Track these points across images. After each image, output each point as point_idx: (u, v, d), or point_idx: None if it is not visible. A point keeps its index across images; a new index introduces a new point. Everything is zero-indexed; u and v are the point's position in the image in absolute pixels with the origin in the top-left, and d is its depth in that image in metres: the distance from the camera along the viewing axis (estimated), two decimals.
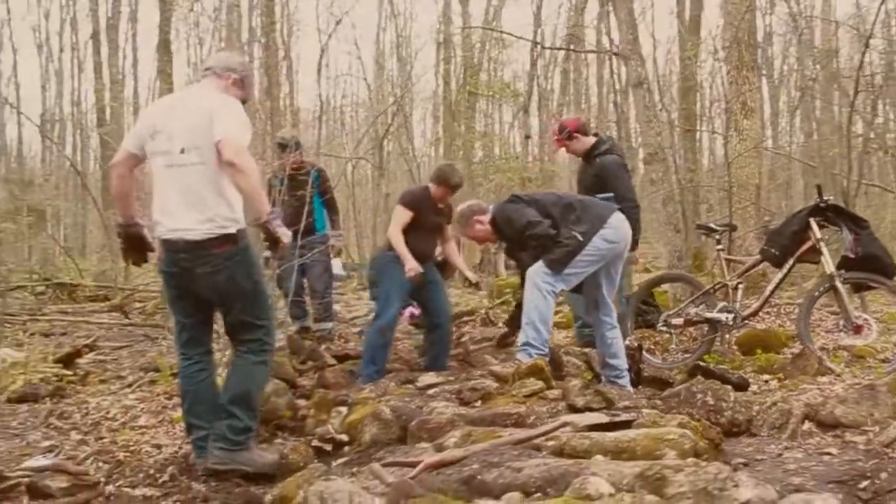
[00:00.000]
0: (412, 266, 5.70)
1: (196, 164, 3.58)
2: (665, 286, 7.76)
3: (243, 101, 3.92)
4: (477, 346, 7.28)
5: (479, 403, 4.17)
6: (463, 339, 8.04)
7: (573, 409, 3.89)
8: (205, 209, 3.58)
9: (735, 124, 8.72)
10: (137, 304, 14.37)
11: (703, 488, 2.52)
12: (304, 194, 7.08)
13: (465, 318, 9.56)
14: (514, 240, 5.07)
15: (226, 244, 3.60)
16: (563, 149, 6.57)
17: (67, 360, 7.45)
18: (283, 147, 7.57)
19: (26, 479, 3.61)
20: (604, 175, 6.04)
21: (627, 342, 5.73)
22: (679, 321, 6.34)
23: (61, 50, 29.18)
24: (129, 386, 5.79)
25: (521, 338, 4.82)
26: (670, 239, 8.17)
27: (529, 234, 4.82)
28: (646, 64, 8.60)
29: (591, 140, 6.28)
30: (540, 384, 4.15)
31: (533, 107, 22.21)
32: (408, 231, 5.84)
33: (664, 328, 6.47)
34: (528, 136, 21.06)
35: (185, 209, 3.62)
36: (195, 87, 4.01)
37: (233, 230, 3.60)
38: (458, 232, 5.72)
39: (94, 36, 19.78)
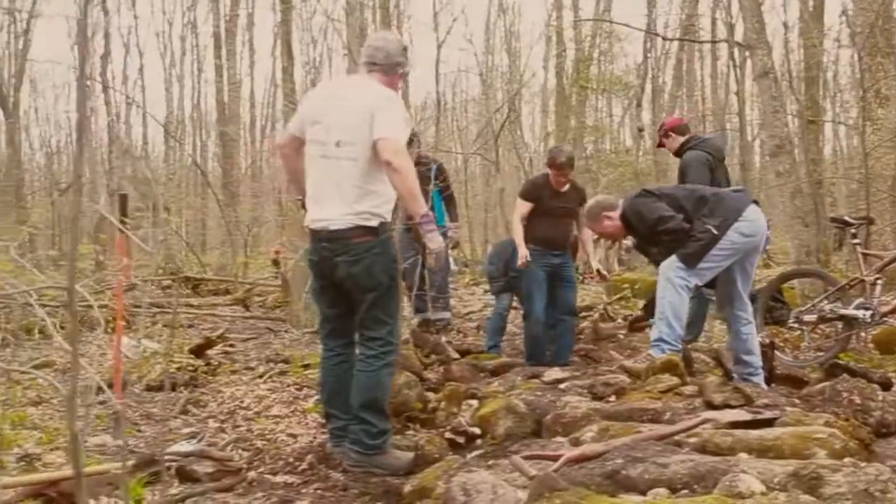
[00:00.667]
0: (523, 254, 6.00)
1: (349, 160, 3.65)
2: (793, 282, 7.49)
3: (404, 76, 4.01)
4: (596, 343, 7.21)
5: (612, 398, 4.13)
6: (582, 336, 8.02)
7: (711, 406, 3.81)
8: (351, 202, 3.65)
9: (869, 113, 8.34)
10: (257, 298, 14.85)
11: (863, 489, 2.43)
12: (425, 189, 7.18)
13: (584, 314, 9.48)
14: (645, 235, 4.97)
15: (366, 235, 3.66)
16: (662, 146, 6.99)
17: (199, 351, 7.73)
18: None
19: (174, 464, 3.78)
20: (684, 169, 6.32)
21: (760, 339, 5.57)
22: (812, 318, 6.12)
23: (183, 53, 30.24)
24: (261, 377, 5.95)
25: (653, 333, 4.73)
26: (797, 233, 7.89)
27: (662, 229, 4.73)
28: (772, 52, 8.29)
29: (683, 139, 6.56)
30: (675, 380, 4.08)
31: (645, 99, 21.81)
32: (533, 219, 6.07)
33: (796, 325, 6.26)
34: (640, 130, 20.76)
35: (332, 200, 3.71)
36: (358, 80, 4.01)
37: (374, 223, 3.66)
38: (588, 227, 5.67)
39: (215, 39, 20.38)
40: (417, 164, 7.47)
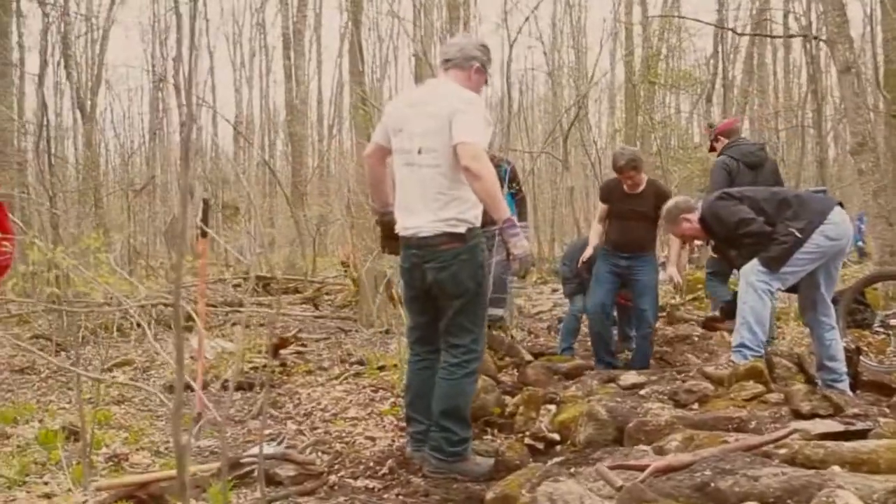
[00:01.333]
0: (587, 254, 6.13)
1: (432, 167, 3.64)
2: (878, 284, 7.27)
3: (485, 83, 3.98)
4: (670, 345, 7.12)
5: (695, 406, 4.06)
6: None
7: (798, 415, 3.72)
8: (438, 209, 3.64)
9: None
10: (327, 297, 15.02)
11: None
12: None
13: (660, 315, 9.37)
14: (725, 238, 4.87)
15: (454, 242, 3.65)
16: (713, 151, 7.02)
17: (273, 351, 7.85)
18: None
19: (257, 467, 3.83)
20: (711, 173, 6.70)
21: (844, 344, 5.42)
22: None
23: (252, 55, 30.73)
24: (336, 378, 6.00)
25: (735, 339, 4.63)
26: (881, 233, 7.66)
27: (742, 232, 4.62)
28: (854, 47, 8.06)
29: (724, 143, 6.73)
30: (760, 387, 3.99)
31: (715, 95, 21.40)
32: (609, 222, 6.12)
33: (881, 329, 6.07)
34: (710, 126, 20.36)
35: (420, 207, 3.71)
36: (437, 84, 3.98)
37: (462, 230, 3.64)
38: (667, 230, 5.58)
39: (284, 40, 20.64)
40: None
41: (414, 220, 3.73)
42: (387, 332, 8.75)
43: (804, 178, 12.45)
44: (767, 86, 24.62)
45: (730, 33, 25.51)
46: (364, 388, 5.66)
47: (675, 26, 23.09)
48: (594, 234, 6.16)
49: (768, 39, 22.93)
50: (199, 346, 5.95)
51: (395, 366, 5.80)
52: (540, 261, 19.30)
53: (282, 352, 8.11)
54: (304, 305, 13.39)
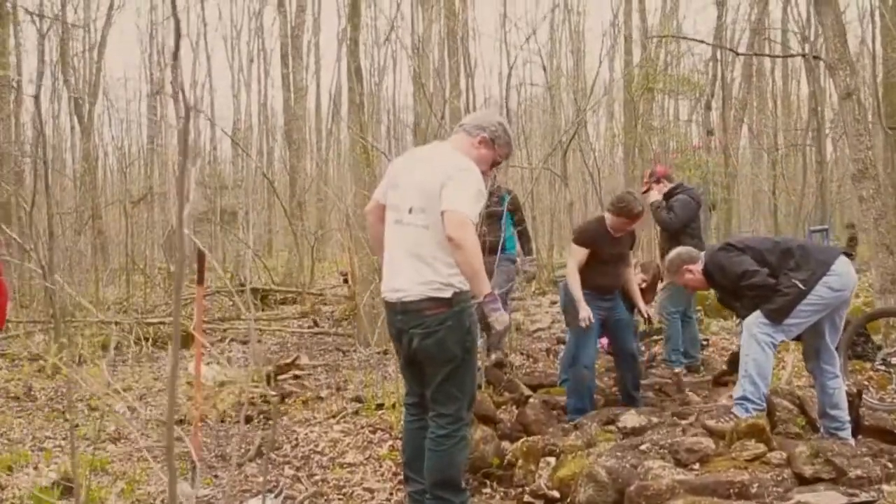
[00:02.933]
0: (585, 315, 5.70)
1: (421, 227, 3.58)
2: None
3: (494, 163, 3.92)
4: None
5: (696, 466, 4.01)
6: (655, 361, 7.90)
7: (800, 478, 3.69)
8: (424, 272, 3.57)
9: None
10: (325, 308, 14.98)
11: None
12: (499, 213, 7.38)
13: (655, 338, 9.33)
14: (729, 289, 4.82)
15: (439, 307, 3.57)
16: (651, 190, 7.55)
17: (269, 379, 7.83)
18: None
19: None
20: (670, 207, 7.25)
21: (846, 387, 5.39)
22: None
23: (251, 61, 30.65)
24: (334, 416, 5.95)
25: (737, 391, 4.59)
26: (882, 261, 7.60)
27: (746, 284, 4.58)
28: (856, 73, 8.02)
29: (671, 185, 7.51)
30: (761, 447, 3.95)
31: (715, 100, 21.33)
32: (588, 265, 5.81)
33: (882, 367, 6.05)
34: (710, 132, 20.32)
35: (405, 268, 3.64)
36: (439, 146, 3.94)
37: (447, 294, 3.56)
38: (668, 279, 5.52)
39: (282, 47, 20.60)
40: (490, 194, 7.49)
41: (399, 283, 3.66)
42: (384, 352, 8.69)
43: (806, 195, 12.40)
44: (766, 88, 24.60)
45: (727, 35, 25.58)
46: (362, 428, 5.61)
47: (674, 33, 23.13)
48: (578, 287, 5.80)
49: (768, 43, 22.88)
50: (196, 379, 5.90)
51: (394, 406, 5.75)
52: (539, 269, 19.31)
53: (281, 376, 8.13)
54: (302, 320, 13.37)
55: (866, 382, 6.39)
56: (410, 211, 3.62)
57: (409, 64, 22.62)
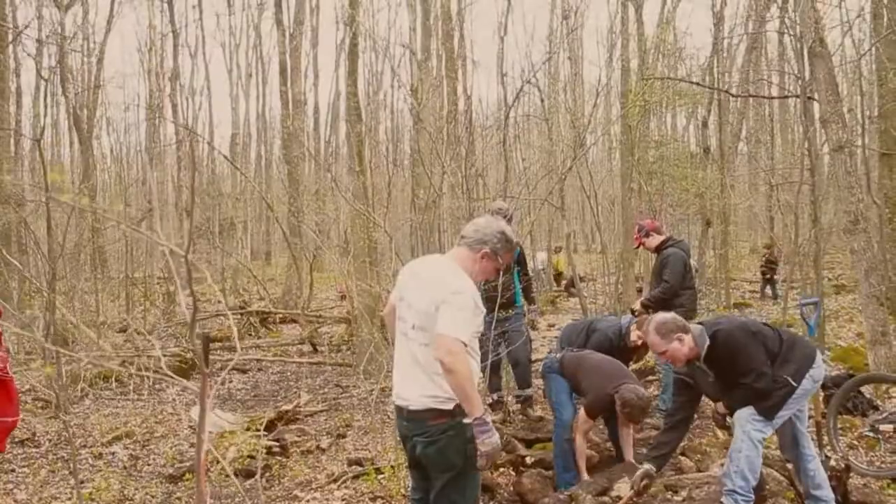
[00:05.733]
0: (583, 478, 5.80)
1: (423, 344, 3.67)
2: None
3: (498, 270, 4.02)
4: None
5: None
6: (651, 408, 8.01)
7: None
8: (427, 384, 3.66)
9: None
10: (324, 330, 15.09)
11: None
12: (511, 270, 7.63)
13: (650, 378, 9.46)
14: (727, 376, 4.80)
15: (441, 417, 3.66)
16: (641, 245, 8.01)
17: (270, 426, 7.93)
18: (494, 216, 7.85)
19: None
20: (664, 261, 7.55)
21: (834, 462, 5.52)
22: (889, 428, 6.03)
23: (250, 76, 30.71)
24: (335, 481, 6.06)
25: (727, 483, 4.70)
26: (872, 312, 7.75)
27: (748, 382, 4.61)
28: (848, 126, 8.14)
29: (661, 238, 7.76)
30: None
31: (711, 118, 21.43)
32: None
33: (871, 434, 6.17)
34: (707, 150, 20.45)
35: (411, 379, 3.74)
36: (440, 262, 3.97)
37: (450, 406, 3.65)
38: (650, 342, 5.26)
39: (281, 66, 20.63)
40: None
41: (405, 391, 3.76)
42: (383, 390, 8.78)
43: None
44: (764, 111, 24.70)
45: (725, 45, 25.67)
46: (362, 495, 5.72)
47: (669, 47, 23.21)
48: (583, 456, 5.93)
49: (763, 57, 23.03)
50: (198, 443, 5.99)
51: (393, 469, 5.88)
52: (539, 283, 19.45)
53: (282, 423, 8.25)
54: (301, 345, 13.48)
55: (856, 442, 6.52)
56: (413, 327, 3.73)
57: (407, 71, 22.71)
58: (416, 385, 3.71)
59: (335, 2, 30.28)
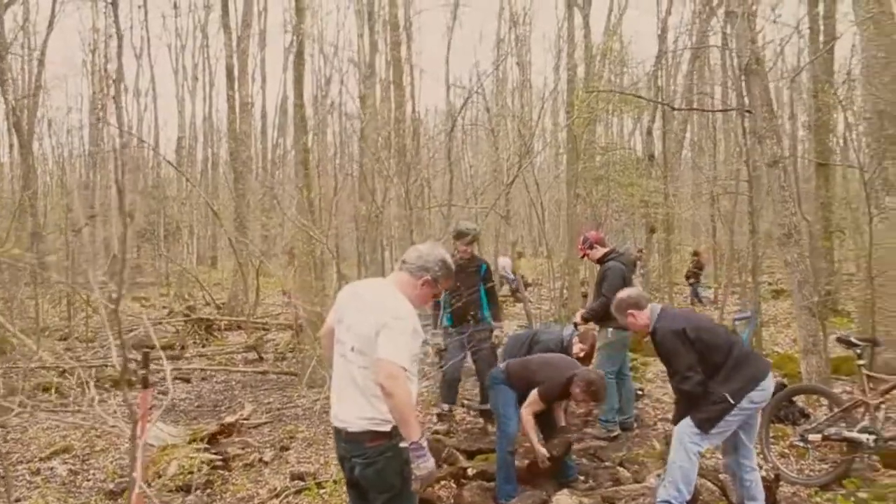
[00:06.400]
0: (543, 456, 5.94)
1: (361, 367, 3.71)
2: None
3: (435, 297, 4.05)
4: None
5: None
6: (591, 417, 8.15)
7: None
8: (365, 407, 3.70)
9: (876, 202, 8.39)
10: (271, 337, 15.01)
11: None
12: (478, 286, 8.01)
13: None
14: (664, 360, 5.08)
15: (379, 439, 3.71)
16: (585, 256, 8.22)
17: (213, 439, 7.88)
18: (462, 235, 8.14)
19: None
20: (604, 274, 7.70)
21: (764, 473, 5.69)
22: (817, 438, 6.20)
23: (195, 78, 30.39)
24: (277, 496, 6.06)
25: (661, 493, 4.84)
26: (805, 323, 7.96)
27: (677, 382, 4.85)
28: (783, 142, 8.35)
29: (604, 251, 7.89)
30: None
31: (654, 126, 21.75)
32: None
33: (800, 443, 6.35)
34: (651, 157, 20.75)
35: (349, 402, 3.77)
36: (381, 286, 4.02)
37: (387, 428, 3.71)
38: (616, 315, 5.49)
39: (228, 70, 20.46)
40: (469, 262, 8.08)
41: (343, 413, 3.80)
42: (328, 398, 8.75)
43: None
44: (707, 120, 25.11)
45: (670, 55, 26.07)
46: None
47: (616, 52, 23.52)
48: (533, 429, 6.06)
49: (707, 73, 23.45)
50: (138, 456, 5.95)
51: (335, 483, 5.90)
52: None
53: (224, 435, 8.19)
54: (247, 354, 13.38)
55: (787, 451, 6.70)
56: (352, 350, 3.76)
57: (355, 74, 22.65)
58: (354, 407, 3.75)
59: (284, 4, 30.00)
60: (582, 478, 6.26)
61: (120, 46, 22.05)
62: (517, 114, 18.61)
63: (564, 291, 16.33)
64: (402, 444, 3.58)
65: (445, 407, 8.14)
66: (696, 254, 20.73)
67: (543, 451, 5.92)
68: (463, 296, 7.87)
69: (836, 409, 6.27)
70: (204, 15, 29.92)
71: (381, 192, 8.75)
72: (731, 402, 4.73)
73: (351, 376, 3.77)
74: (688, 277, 20.39)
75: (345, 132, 28.15)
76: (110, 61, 22.42)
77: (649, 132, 20.72)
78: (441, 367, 8.20)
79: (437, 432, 7.74)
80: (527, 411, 5.98)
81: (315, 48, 28.52)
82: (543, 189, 18.16)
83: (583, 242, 8.10)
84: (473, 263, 8.15)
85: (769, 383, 4.89)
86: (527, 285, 19.88)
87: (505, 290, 20.14)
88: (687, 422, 4.82)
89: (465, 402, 8.76)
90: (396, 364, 3.51)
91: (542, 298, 18.11)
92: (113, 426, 8.60)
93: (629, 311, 5.23)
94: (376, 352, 3.57)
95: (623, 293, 5.43)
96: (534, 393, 5.97)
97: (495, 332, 8.16)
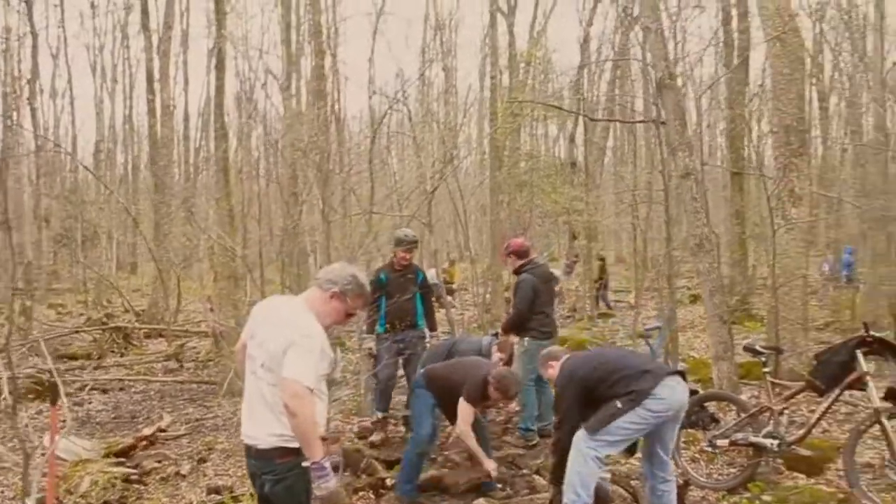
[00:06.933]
0: (491, 467, 6.15)
1: (270, 384, 3.70)
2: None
3: (348, 314, 4.08)
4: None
5: None
6: (511, 424, 8.28)
7: None
8: (275, 423, 3.70)
9: (782, 213, 8.71)
10: (192, 345, 14.76)
11: None
12: (414, 293, 8.12)
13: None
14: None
15: (289, 455, 3.71)
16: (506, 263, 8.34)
17: (129, 451, 7.75)
18: (400, 243, 8.21)
19: None
20: (516, 289, 7.92)
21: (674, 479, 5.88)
22: (724, 443, 6.41)
23: (115, 80, 29.74)
24: None
25: (564, 498, 4.98)
26: (716, 330, 8.22)
27: (554, 429, 5.26)
28: (694, 154, 8.60)
29: (520, 262, 7.95)
30: None
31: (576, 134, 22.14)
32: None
33: (709, 448, 6.56)
34: (574, 164, 21.13)
35: (259, 418, 3.77)
36: (291, 303, 4.02)
37: (297, 444, 3.71)
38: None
39: (148, 74, 20.08)
40: (406, 268, 8.23)
41: (253, 430, 3.80)
42: None
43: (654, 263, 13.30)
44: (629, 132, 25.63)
45: (594, 63, 26.53)
46: None
47: (541, 61, 23.84)
48: (473, 439, 6.19)
49: (629, 80, 23.91)
50: (50, 463, 5.84)
51: (251, 496, 5.87)
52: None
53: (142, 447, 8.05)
54: (167, 363, 13.17)
55: (698, 456, 6.91)
56: (262, 366, 3.76)
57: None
58: (264, 424, 3.74)
59: (207, 4, 29.57)
60: (499, 486, 6.36)
61: (35, 46, 21.51)
62: (441, 120, 18.67)
63: (487, 297, 16.49)
64: (304, 464, 3.59)
65: (379, 414, 8.18)
66: (601, 259, 21.12)
67: (491, 465, 6.10)
68: (398, 302, 8.01)
69: (742, 415, 6.47)
70: (124, 15, 29.20)
71: (300, 200, 8.72)
72: (619, 406, 4.87)
73: (261, 393, 3.77)
74: (596, 283, 20.78)
75: (270, 137, 27.88)
76: (24, 61, 21.77)
77: (572, 139, 21.14)
78: (374, 374, 8.24)
79: (372, 443, 7.81)
80: (463, 426, 6.09)
81: (239, 51, 28.20)
82: (468, 195, 18.32)
83: (504, 249, 8.26)
84: (411, 270, 8.29)
85: (669, 392, 4.97)
86: (450, 292, 20.05)
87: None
88: (582, 429, 4.98)
89: (391, 410, 8.80)
90: (301, 383, 3.52)
91: (466, 304, 18.23)
92: (24, 440, 8.42)
93: (549, 362, 5.52)
94: (282, 371, 3.58)
95: (543, 350, 5.79)
96: (462, 403, 6.07)
97: (428, 340, 8.25)
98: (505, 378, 5.99)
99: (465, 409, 6.08)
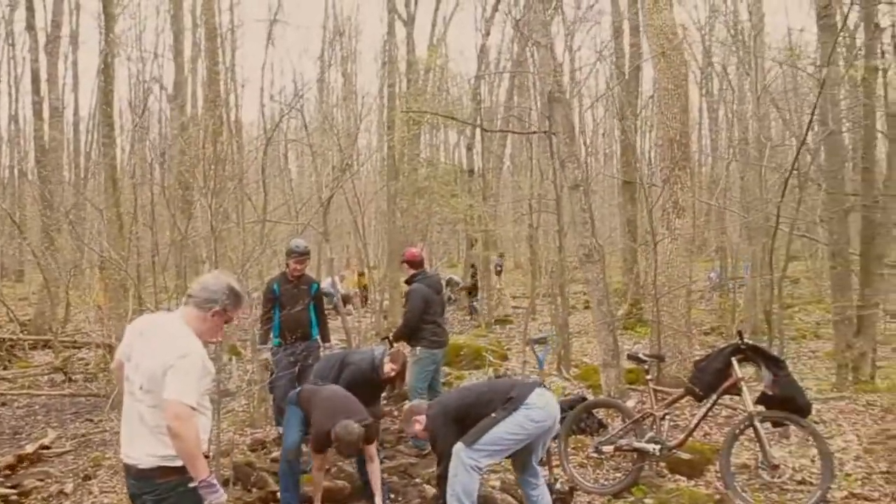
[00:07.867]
0: None
1: (150, 406, 3.65)
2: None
3: (229, 320, 4.02)
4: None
5: None
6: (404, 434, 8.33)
7: None
8: (155, 444, 3.64)
9: (667, 223, 9.02)
10: (81, 356, 14.26)
11: None
12: (307, 304, 8.14)
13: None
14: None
15: (171, 475, 3.66)
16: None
17: (9, 471, 7.48)
18: (294, 254, 8.21)
19: None
20: (406, 299, 8.20)
21: (559, 485, 6.05)
22: (610, 449, 6.63)
23: None
24: None
25: None
26: (603, 338, 8.46)
27: (438, 467, 5.31)
28: (583, 166, 8.85)
29: (412, 272, 8.15)
30: None
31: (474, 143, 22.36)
32: None
33: (595, 454, 6.76)
34: (472, 171, 21.33)
35: (138, 439, 3.69)
36: (167, 323, 3.92)
37: (179, 463, 3.66)
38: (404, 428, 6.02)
39: (34, 75, 19.36)
40: (299, 279, 8.27)
41: (132, 450, 3.72)
42: None
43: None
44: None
45: (493, 71, 26.89)
46: None
47: (440, 66, 24.03)
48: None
49: (528, 85, 24.29)
50: None
51: None
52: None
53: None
54: (53, 375, 12.71)
55: (585, 461, 7.11)
56: (141, 388, 3.69)
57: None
58: (144, 444, 3.68)
59: (96, 6, 28.74)
60: (392, 496, 6.40)
61: None
62: (339, 127, 18.61)
63: (384, 303, 16.52)
64: (192, 485, 3.56)
65: (280, 429, 8.08)
66: (473, 267, 21.35)
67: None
68: (291, 313, 8.02)
69: (627, 421, 6.69)
70: (8, 11, 28.04)
71: (190, 209, 8.59)
72: (494, 416, 5.09)
73: (139, 414, 3.70)
74: (468, 291, 21.04)
75: (162, 145, 27.27)
76: None
77: (469, 148, 21.32)
78: (270, 387, 8.19)
79: (255, 451, 7.75)
80: (315, 471, 6.13)
81: (129, 56, 27.53)
82: (368, 197, 18.30)
83: (401, 256, 8.47)
84: (304, 281, 8.31)
85: (544, 402, 5.21)
86: (345, 301, 20.04)
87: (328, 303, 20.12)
88: (460, 442, 5.12)
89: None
90: (184, 403, 3.49)
91: (363, 312, 18.21)
92: None
93: (414, 417, 5.57)
94: (163, 393, 3.54)
95: (406, 406, 6.05)
96: (311, 451, 6.14)
97: (323, 351, 8.26)
98: (340, 437, 5.73)
99: (312, 456, 6.15)
